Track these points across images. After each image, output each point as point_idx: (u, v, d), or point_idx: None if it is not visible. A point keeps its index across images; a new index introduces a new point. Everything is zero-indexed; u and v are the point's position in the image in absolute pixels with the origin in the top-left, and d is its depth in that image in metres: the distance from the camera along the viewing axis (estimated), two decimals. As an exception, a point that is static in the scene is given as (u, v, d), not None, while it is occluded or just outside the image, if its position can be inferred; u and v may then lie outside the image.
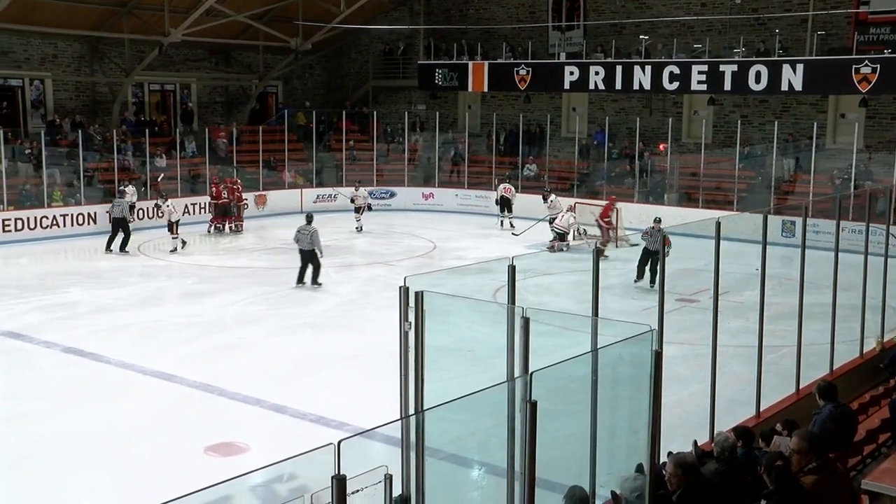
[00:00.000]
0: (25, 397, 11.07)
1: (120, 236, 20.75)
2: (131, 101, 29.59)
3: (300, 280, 17.24)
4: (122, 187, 23.46)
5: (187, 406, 10.87)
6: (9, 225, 22.47)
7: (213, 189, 24.63)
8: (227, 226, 24.41)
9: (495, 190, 27.35)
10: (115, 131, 26.45)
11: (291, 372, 12.15)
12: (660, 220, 18.17)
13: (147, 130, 26.67)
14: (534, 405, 4.62)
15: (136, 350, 13.01)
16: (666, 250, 15.61)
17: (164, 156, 27.27)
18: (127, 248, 20.69)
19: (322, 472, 6.37)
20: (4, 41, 26.03)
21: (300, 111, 31.73)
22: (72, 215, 23.54)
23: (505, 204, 26.42)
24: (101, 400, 11.08)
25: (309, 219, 17.61)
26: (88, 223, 23.72)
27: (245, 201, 25.40)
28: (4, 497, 8.47)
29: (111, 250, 20.64)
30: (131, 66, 28.10)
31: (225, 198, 24.37)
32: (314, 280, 17.25)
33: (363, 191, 26.18)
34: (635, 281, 17.13)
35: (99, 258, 20.77)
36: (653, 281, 16.64)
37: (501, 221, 26.16)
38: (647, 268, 17.11)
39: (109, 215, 21.65)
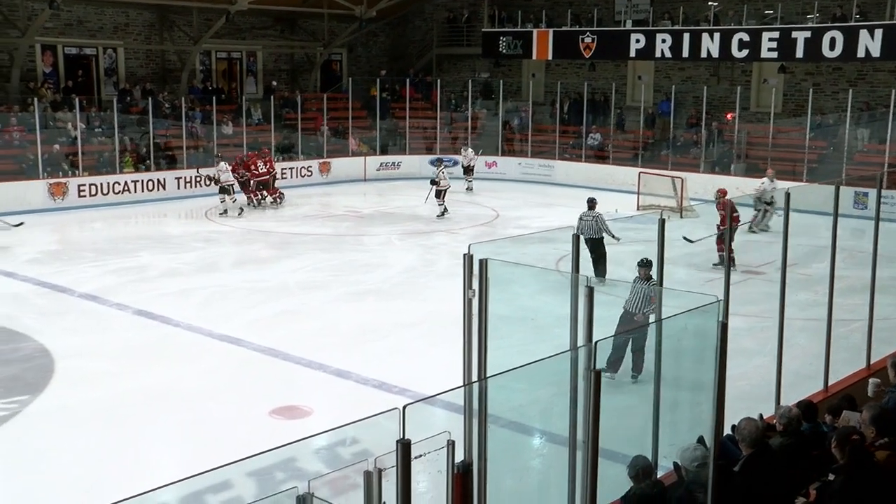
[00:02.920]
0: (101, 356, 11.37)
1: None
2: (199, 69, 29.95)
3: (600, 275, 14.34)
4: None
5: (253, 369, 11.04)
6: (84, 190, 23.01)
7: (252, 163, 23.43)
8: (267, 198, 23.51)
9: (462, 155, 27.38)
10: (183, 99, 26.82)
11: (354, 338, 12.26)
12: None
13: (214, 98, 27.01)
14: (598, 374, 4.58)
15: (203, 314, 13.26)
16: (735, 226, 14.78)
17: (230, 123, 27.59)
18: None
19: (384, 437, 6.43)
20: (80, 11, 26.51)
21: (371, 84, 31.67)
22: (142, 181, 24.00)
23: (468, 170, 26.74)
24: (170, 361, 11.33)
25: (591, 204, 15.19)
26: (158, 189, 24.18)
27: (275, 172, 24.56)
28: (86, 447, 8.71)
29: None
30: (199, 35, 28.40)
31: (263, 170, 23.48)
32: (600, 273, 14.33)
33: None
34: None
35: (168, 223, 21.15)
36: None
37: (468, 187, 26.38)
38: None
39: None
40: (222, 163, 22.34)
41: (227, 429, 9.15)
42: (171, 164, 25.38)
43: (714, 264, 15.94)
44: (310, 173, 27.89)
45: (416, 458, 4.28)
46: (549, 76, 32.23)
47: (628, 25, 28.39)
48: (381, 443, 6.43)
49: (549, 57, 30.21)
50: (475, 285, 6.37)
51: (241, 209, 21.99)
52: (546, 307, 13.21)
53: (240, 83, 31.32)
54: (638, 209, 22.69)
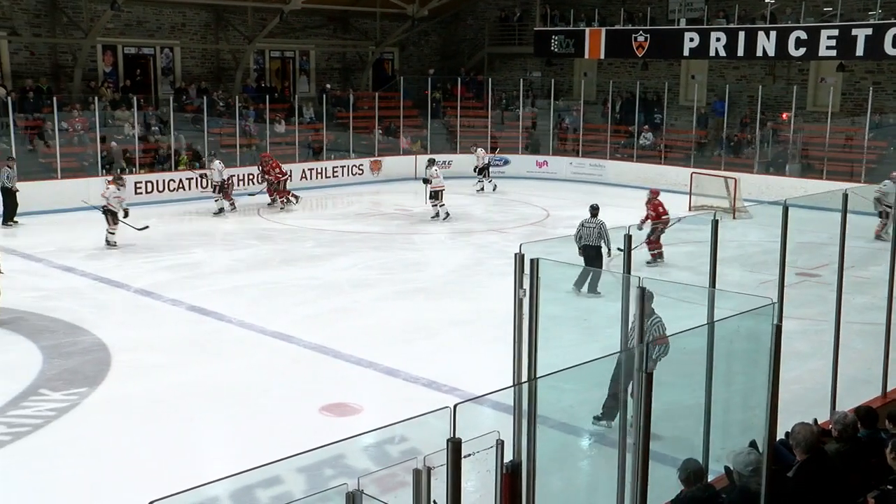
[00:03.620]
0: (156, 350, 11.55)
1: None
2: (253, 68, 30.29)
3: (583, 284, 13.74)
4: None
5: (303, 366, 11.13)
6: (140, 187, 23.41)
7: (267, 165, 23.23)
8: (285, 199, 23.10)
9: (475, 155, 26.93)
10: (237, 97, 27.15)
11: (404, 336, 12.29)
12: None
13: (267, 97, 27.30)
14: (649, 376, 4.54)
15: (255, 310, 13.39)
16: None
17: (282, 122, 27.86)
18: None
19: (433, 436, 6.42)
20: (139, 12, 26.97)
21: (423, 83, 31.72)
22: (196, 178, 24.33)
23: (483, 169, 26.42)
24: (222, 356, 11.47)
25: (595, 211, 14.57)
26: (211, 186, 24.46)
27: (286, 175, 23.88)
28: (140, 439, 8.85)
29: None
30: (253, 34, 28.72)
31: (278, 173, 23.15)
32: (592, 286, 13.75)
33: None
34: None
35: (221, 220, 21.42)
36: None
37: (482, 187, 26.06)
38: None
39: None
40: (216, 161, 22.44)
41: (276, 424, 9.23)
42: (226, 161, 25.64)
43: (647, 262, 15.98)
44: (361, 172, 28.06)
45: (465, 456, 4.28)
46: (602, 75, 32.01)
47: (682, 24, 28.07)
48: (429, 441, 6.43)
49: (602, 56, 30.02)
50: (526, 285, 6.35)
51: (234, 205, 22.26)
52: (596, 307, 13.16)
53: (292, 82, 31.62)
54: (690, 210, 22.44)
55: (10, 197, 20.03)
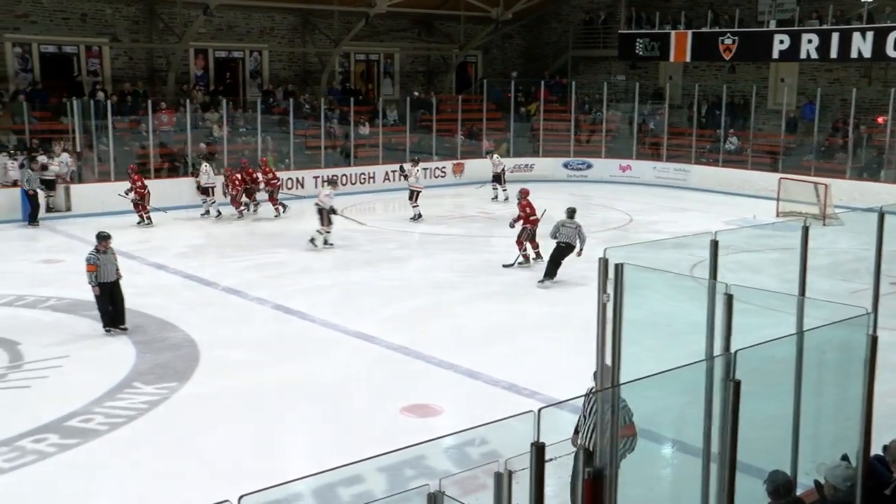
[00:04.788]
0: (242, 348, 11.79)
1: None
2: (338, 70, 30.69)
3: (549, 276, 15.37)
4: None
5: (385, 366, 11.21)
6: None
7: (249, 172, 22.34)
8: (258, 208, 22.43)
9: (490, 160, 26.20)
10: (322, 100, 27.54)
11: (485, 338, 12.29)
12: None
13: (352, 99, 27.62)
14: (737, 385, 4.45)
15: (338, 310, 13.55)
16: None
17: (366, 124, 28.15)
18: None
19: (514, 439, 6.41)
20: (230, 16, 27.61)
21: (505, 86, 31.69)
22: (282, 180, 24.73)
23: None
24: (305, 355, 11.64)
25: (571, 213, 15.63)
26: (296, 187, 24.90)
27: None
28: (225, 434, 9.04)
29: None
30: (339, 37, 29.08)
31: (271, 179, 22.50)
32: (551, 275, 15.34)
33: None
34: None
35: (305, 221, 21.71)
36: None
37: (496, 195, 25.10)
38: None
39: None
40: (204, 164, 22.56)
41: (358, 423, 9.32)
42: (311, 163, 26.08)
43: (519, 263, 16.44)
44: (443, 174, 28.17)
45: (547, 461, 4.26)
46: (687, 78, 31.49)
47: (772, 26, 27.43)
48: (509, 444, 6.41)
49: (687, 59, 29.54)
50: (610, 289, 6.29)
51: (220, 212, 21.92)
52: (679, 314, 12.90)
53: (377, 84, 31.93)
54: (777, 216, 21.92)
55: (33, 198, 20.30)
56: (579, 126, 30.56)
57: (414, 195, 21.54)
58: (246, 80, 28.78)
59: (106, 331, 12.04)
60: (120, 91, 25.09)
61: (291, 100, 26.40)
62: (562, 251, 15.42)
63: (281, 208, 22.15)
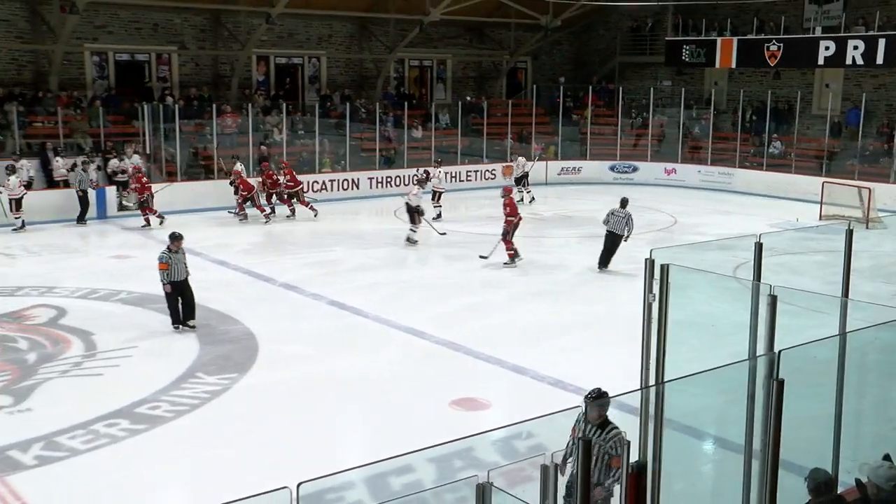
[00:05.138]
0: (298, 341, 11.92)
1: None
2: (393, 76, 30.83)
3: (603, 264, 16.03)
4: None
5: (435, 361, 11.24)
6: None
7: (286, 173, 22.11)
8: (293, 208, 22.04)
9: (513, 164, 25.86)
10: (377, 104, 27.69)
11: (532, 335, 12.26)
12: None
13: (406, 103, 27.72)
14: (781, 384, 4.39)
15: (391, 306, 13.62)
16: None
17: (419, 127, 28.24)
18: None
19: (559, 433, 6.39)
20: (291, 24, 27.89)
21: (555, 91, 31.53)
22: (338, 180, 24.96)
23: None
24: (358, 349, 11.71)
25: (624, 203, 16.21)
26: (352, 188, 25.09)
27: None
28: (282, 423, 9.14)
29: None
30: (394, 44, 29.22)
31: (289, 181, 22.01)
32: (605, 263, 15.97)
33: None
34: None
35: (360, 220, 21.88)
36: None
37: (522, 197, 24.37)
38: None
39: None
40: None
41: (409, 415, 9.37)
42: (366, 164, 26.24)
43: (504, 263, 16.35)
44: (493, 176, 28.13)
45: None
46: (732, 84, 31.05)
47: (818, 32, 26.92)
48: (555, 438, 6.40)
49: (733, 65, 29.16)
50: (655, 289, 6.25)
51: (246, 215, 21.29)
52: (723, 314, 12.76)
53: (430, 89, 32.03)
54: (820, 219, 21.54)
55: (84, 198, 20.51)
56: (625, 130, 30.32)
57: (437, 196, 21.75)
58: (305, 85, 29.05)
59: (175, 328, 12.12)
60: (186, 96, 25.51)
61: (348, 104, 26.59)
62: (612, 239, 15.85)
63: (312, 211, 21.67)
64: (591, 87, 31.03)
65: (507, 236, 16.58)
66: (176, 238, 12.16)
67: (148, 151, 23.34)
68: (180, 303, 12.18)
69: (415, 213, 18.35)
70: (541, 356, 11.21)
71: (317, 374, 10.64)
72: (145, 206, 20.26)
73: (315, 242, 18.81)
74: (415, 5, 27.73)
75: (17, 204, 19.33)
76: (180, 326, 12.15)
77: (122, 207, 21.52)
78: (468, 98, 30.55)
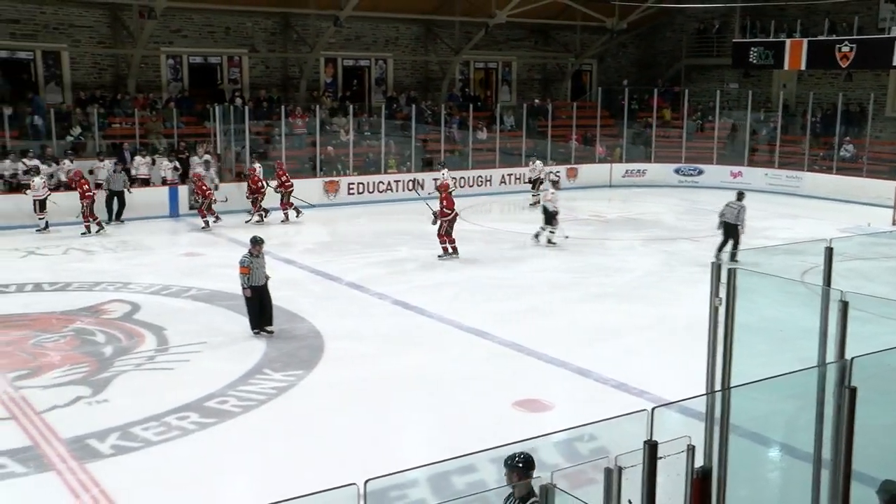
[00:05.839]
0: (363, 340, 12.01)
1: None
2: (458, 77, 30.89)
3: (724, 252, 16.42)
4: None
5: (497, 361, 11.21)
6: (352, 188, 24.45)
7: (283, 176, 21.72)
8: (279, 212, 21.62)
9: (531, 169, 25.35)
10: (443, 106, 27.76)
11: (595, 337, 12.16)
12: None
13: (471, 105, 27.74)
14: (853, 392, 4.27)
15: (454, 306, 13.64)
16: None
17: (484, 129, 28.23)
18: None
19: (622, 436, 6.31)
20: (358, 27, 28.15)
21: (619, 94, 31.23)
22: (403, 181, 25.08)
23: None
24: (422, 348, 11.75)
25: (740, 195, 16.83)
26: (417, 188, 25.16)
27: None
28: (347, 420, 9.20)
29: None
30: (460, 46, 29.27)
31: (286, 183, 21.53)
32: (733, 256, 16.18)
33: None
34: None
35: (424, 221, 21.91)
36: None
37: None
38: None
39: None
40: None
41: (472, 415, 9.36)
42: (428, 165, 26.34)
43: (439, 256, 16.97)
44: (556, 178, 27.95)
45: (658, 459, 4.19)
46: (801, 86, 30.38)
47: (893, 32, 26.16)
48: (617, 441, 6.32)
49: (802, 67, 28.52)
50: (722, 293, 6.13)
51: (261, 216, 21.14)
52: (790, 319, 12.49)
53: (494, 91, 31.99)
54: (893, 224, 20.92)
55: (119, 196, 20.75)
56: (693, 133, 29.87)
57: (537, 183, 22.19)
58: (371, 86, 29.28)
59: (254, 332, 11.94)
60: (256, 97, 25.92)
61: (414, 106, 26.73)
62: (726, 228, 16.45)
63: (294, 213, 21.38)
64: (656, 90, 30.64)
65: (441, 230, 17.07)
66: (257, 242, 11.98)
67: (218, 151, 23.76)
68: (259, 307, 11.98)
69: (553, 216, 18.23)
70: (604, 358, 11.11)
71: (381, 373, 10.70)
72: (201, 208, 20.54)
73: (379, 242, 18.93)
74: (480, 7, 27.74)
75: (41, 205, 19.49)
76: (259, 332, 11.97)
77: (191, 207, 21.82)
78: (534, 101, 30.42)
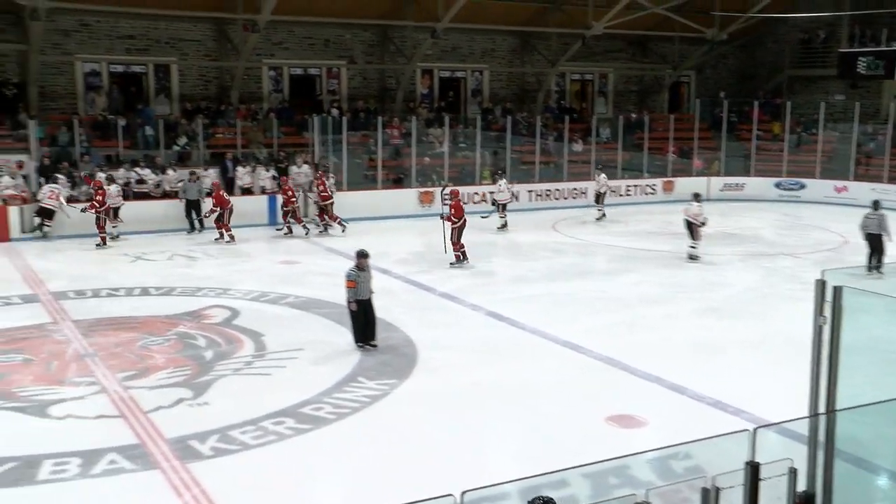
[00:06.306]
0: (456, 350, 12.05)
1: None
2: (554, 89, 30.79)
3: (871, 265, 16.27)
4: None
5: (591, 375, 11.09)
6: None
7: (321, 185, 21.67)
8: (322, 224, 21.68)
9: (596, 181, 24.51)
10: (538, 117, 27.70)
11: (692, 354, 11.92)
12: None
13: (566, 117, 27.60)
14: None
15: (547, 319, 13.54)
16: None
17: (580, 141, 28.04)
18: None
19: (718, 455, 6.17)
20: (454, 39, 28.39)
21: (718, 106, 30.61)
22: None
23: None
24: (515, 360, 11.70)
25: (876, 205, 16.79)
26: (511, 200, 25.12)
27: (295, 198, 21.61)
28: (439, 430, 9.25)
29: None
30: (556, 58, 29.19)
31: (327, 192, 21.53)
32: (877, 268, 16.13)
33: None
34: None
35: (518, 233, 21.89)
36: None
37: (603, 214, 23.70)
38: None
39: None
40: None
41: (563, 429, 9.27)
42: (525, 177, 26.29)
43: (451, 264, 17.13)
44: (653, 191, 27.64)
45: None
46: (914, 98, 29.17)
47: None
48: (713, 461, 6.19)
49: (915, 77, 27.38)
50: (826, 312, 5.95)
51: (290, 229, 21.08)
52: (900, 340, 12.00)
53: (590, 103, 31.76)
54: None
55: (195, 206, 21.16)
56: (792, 146, 29.00)
57: (501, 207, 22.06)
58: (467, 98, 29.46)
59: (358, 346, 11.84)
60: (354, 108, 26.40)
61: (509, 117, 26.75)
62: (871, 240, 16.34)
63: (340, 226, 21.29)
64: (756, 102, 29.90)
65: (452, 237, 17.12)
66: (363, 256, 11.86)
67: (316, 161, 24.26)
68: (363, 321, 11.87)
69: (698, 229, 17.92)
70: (701, 375, 10.86)
71: (473, 384, 10.71)
72: (323, 212, 20.92)
73: (473, 253, 18.95)
74: (577, 19, 27.61)
75: (114, 213, 20.03)
76: (364, 346, 11.87)
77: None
78: (632, 115, 30.04)
